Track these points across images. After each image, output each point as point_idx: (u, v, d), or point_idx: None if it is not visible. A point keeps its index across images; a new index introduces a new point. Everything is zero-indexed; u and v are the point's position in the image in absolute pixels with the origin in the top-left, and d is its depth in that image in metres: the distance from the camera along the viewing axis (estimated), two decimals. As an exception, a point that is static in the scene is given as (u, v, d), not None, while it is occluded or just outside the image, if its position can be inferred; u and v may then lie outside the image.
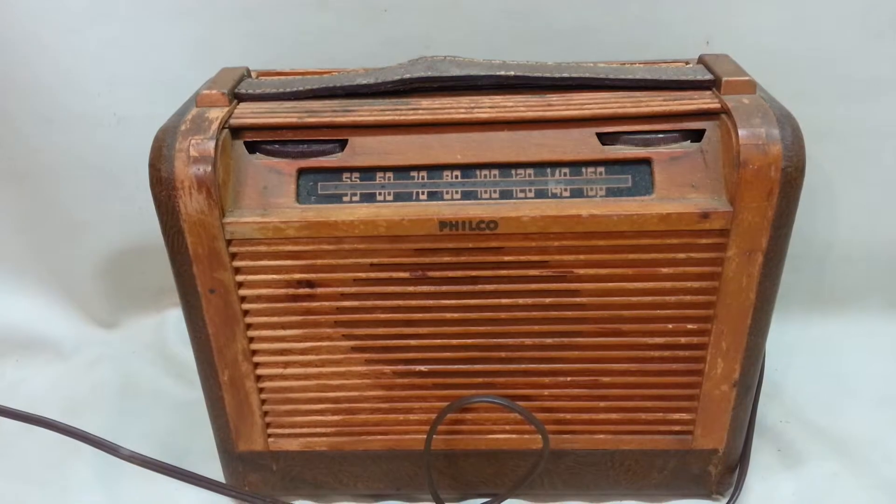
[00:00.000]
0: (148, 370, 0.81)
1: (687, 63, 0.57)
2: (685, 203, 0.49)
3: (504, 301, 0.53)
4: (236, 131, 0.51)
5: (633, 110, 0.50)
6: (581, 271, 0.51)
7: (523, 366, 0.55)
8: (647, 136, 0.50)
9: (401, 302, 0.53)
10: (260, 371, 0.56)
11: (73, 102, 0.73)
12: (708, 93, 0.52)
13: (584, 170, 0.51)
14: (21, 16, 0.69)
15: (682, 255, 0.50)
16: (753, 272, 0.50)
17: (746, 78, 0.51)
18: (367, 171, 0.51)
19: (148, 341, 0.84)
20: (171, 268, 0.52)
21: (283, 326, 0.54)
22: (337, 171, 0.51)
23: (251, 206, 0.51)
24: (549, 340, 0.54)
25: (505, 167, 0.51)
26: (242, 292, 0.53)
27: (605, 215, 0.49)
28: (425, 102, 0.52)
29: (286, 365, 0.56)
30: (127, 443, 0.57)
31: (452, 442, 0.59)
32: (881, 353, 0.79)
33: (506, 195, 0.51)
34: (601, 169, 0.51)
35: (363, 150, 0.51)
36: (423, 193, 0.51)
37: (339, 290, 0.53)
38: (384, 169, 0.51)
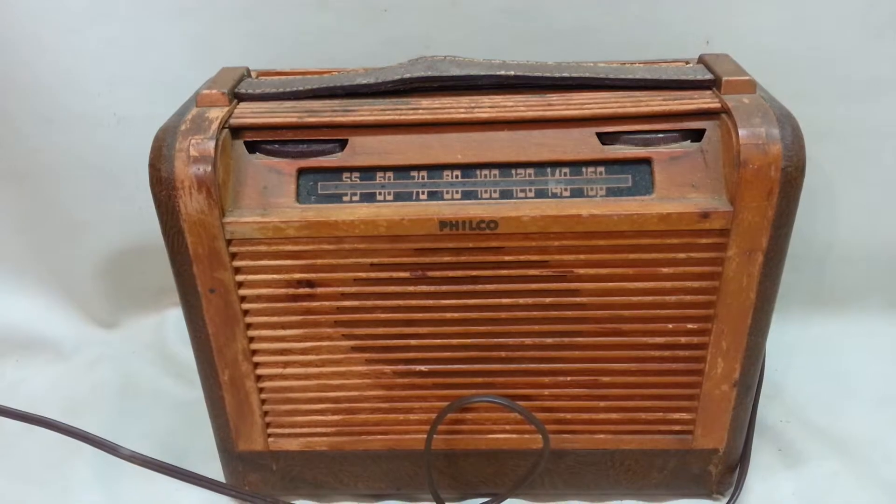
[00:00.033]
0: (148, 370, 0.81)
1: (687, 63, 0.57)
2: (685, 203, 0.49)
3: (504, 301, 0.53)
4: (236, 131, 0.51)
5: (634, 110, 0.50)
6: (581, 271, 0.51)
7: (523, 365, 0.55)
8: (648, 135, 0.50)
9: (401, 302, 0.53)
10: (260, 371, 0.56)
11: (73, 102, 0.73)
12: (708, 92, 0.52)
13: (584, 169, 0.51)
14: (21, 16, 0.69)
15: (682, 255, 0.50)
16: (754, 272, 0.50)
17: (746, 78, 0.51)
18: (368, 171, 0.51)
19: (148, 341, 0.84)
20: (172, 268, 0.52)
21: (284, 326, 0.54)
22: (337, 171, 0.51)
23: (251, 206, 0.51)
24: (549, 340, 0.54)
25: (505, 167, 0.51)
26: (242, 292, 0.53)
27: (605, 215, 0.49)
28: (425, 102, 0.52)
29: (286, 365, 0.56)
30: (127, 443, 0.57)
31: (453, 442, 0.59)
32: (881, 352, 0.79)
33: (506, 195, 0.51)
34: (601, 169, 0.51)
35: (363, 149, 0.51)
36: (423, 193, 0.51)
37: (340, 289, 0.53)
38: (384, 169, 0.51)
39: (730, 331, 0.53)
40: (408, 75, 0.52)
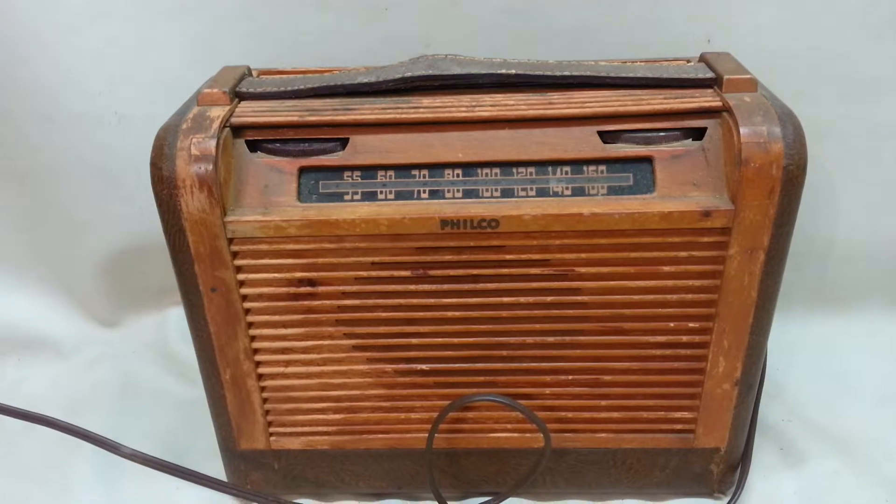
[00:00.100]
0: (149, 369, 0.81)
1: (688, 61, 0.57)
2: (687, 201, 0.49)
3: (505, 300, 0.53)
4: (237, 130, 0.51)
5: (635, 108, 0.50)
6: (582, 270, 0.51)
7: (525, 364, 0.55)
8: (649, 134, 0.50)
9: (402, 301, 0.53)
10: (261, 370, 0.56)
11: (73, 102, 0.73)
12: (709, 91, 0.52)
13: (585, 168, 0.51)
14: (21, 15, 0.69)
15: (683, 254, 0.50)
16: (755, 270, 0.50)
17: (748, 76, 0.51)
18: (369, 170, 0.51)
19: (149, 340, 0.84)
20: (173, 267, 0.52)
21: (285, 325, 0.54)
22: (338, 170, 0.51)
23: (252, 205, 0.51)
24: (550, 339, 0.54)
25: (506, 165, 0.51)
26: (244, 291, 0.53)
27: (606, 214, 0.49)
28: (426, 101, 0.52)
29: (288, 364, 0.56)
30: (128, 441, 0.57)
31: (454, 440, 0.59)
32: (882, 351, 0.79)
33: (507, 193, 0.51)
34: (602, 167, 0.51)
35: (364, 148, 0.51)
36: (424, 192, 0.51)
37: (341, 288, 0.53)
38: (385, 167, 0.51)
39: (731, 329, 0.53)
40: (409, 74, 0.52)
